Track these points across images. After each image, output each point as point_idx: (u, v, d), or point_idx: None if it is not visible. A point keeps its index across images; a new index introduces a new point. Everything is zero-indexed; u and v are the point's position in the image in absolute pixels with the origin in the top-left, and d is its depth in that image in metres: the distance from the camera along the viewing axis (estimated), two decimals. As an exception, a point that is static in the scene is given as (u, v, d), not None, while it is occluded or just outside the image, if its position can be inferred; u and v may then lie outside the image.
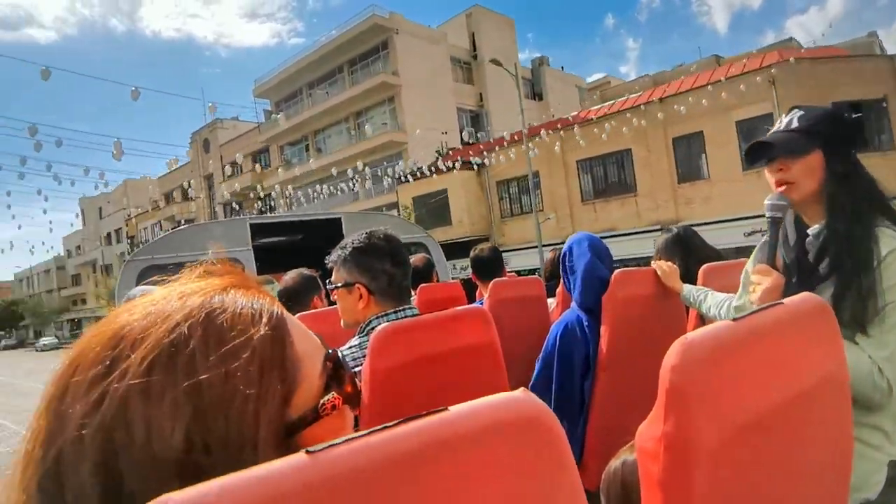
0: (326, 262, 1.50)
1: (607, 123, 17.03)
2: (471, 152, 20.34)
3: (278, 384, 0.38)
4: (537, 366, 1.94)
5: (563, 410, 1.81)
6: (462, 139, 30.59)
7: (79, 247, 62.28)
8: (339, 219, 4.51)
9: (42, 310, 63.55)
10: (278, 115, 31.22)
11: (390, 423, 0.33)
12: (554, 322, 2.02)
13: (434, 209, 23.16)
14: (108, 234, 56.32)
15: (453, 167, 19.76)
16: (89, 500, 0.33)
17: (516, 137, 17.81)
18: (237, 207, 34.49)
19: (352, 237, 1.46)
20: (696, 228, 2.39)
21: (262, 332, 0.39)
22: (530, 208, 21.66)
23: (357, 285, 1.40)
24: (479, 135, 20.15)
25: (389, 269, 1.42)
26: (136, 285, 2.97)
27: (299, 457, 0.30)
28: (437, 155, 24.54)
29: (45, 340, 53.69)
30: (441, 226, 22.60)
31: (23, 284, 78.40)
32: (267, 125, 33.31)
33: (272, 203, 33.97)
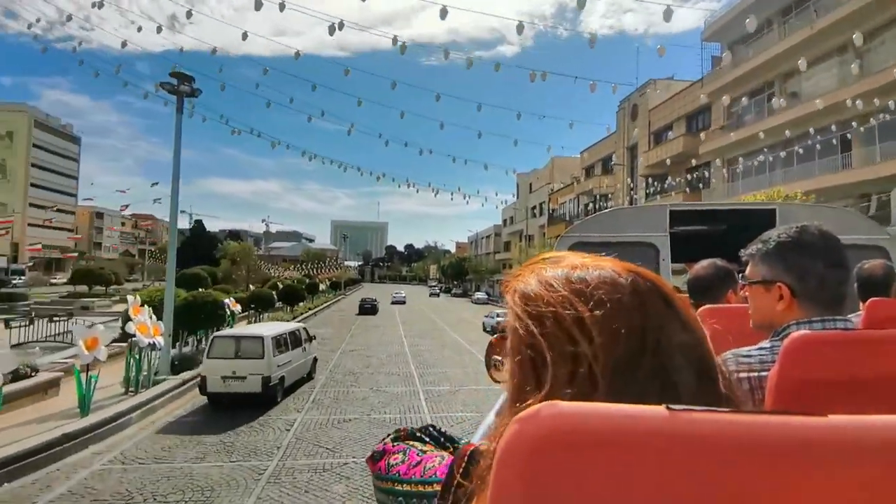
0: (741, 254, 1.36)
1: None
2: None
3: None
4: None
5: None
6: None
7: (512, 218, 70.65)
8: (773, 211, 3.92)
9: (480, 268, 75.53)
10: (728, 59, 24.27)
11: (757, 409, 0.35)
12: None
13: None
14: (534, 208, 61.11)
15: None
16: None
17: None
18: (661, 179, 29.41)
19: (778, 230, 1.28)
20: None
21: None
22: None
23: (778, 284, 1.23)
24: None
25: (821, 271, 1.21)
26: None
27: (660, 409, 0.34)
28: None
29: (478, 295, 63.18)
30: None
31: (472, 246, 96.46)
32: (713, 75, 26.70)
33: (706, 174, 27.43)
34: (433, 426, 0.81)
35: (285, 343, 12.24)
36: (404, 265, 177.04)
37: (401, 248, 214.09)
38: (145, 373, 11.39)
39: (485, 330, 32.53)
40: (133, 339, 11.01)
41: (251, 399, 10.87)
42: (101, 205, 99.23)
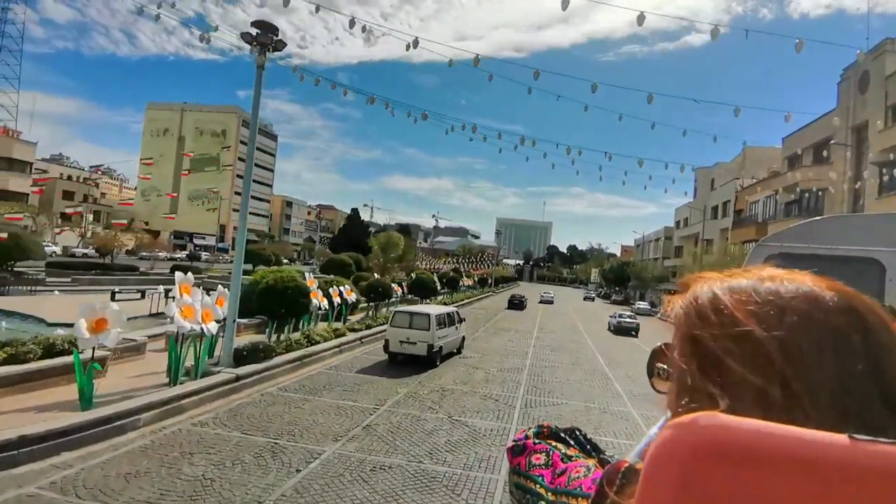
0: None
1: None
2: None
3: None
4: None
5: None
6: None
7: (686, 219, 61.50)
8: None
9: (645, 274, 67.28)
10: None
11: None
12: None
13: None
14: (715, 207, 51.86)
15: None
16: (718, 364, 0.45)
17: None
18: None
19: None
20: None
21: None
22: None
23: None
24: None
25: None
26: None
27: (841, 437, 0.32)
28: None
29: (640, 304, 55.84)
30: None
31: (638, 250, 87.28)
32: None
33: None
34: (579, 430, 0.77)
35: (444, 321, 15.32)
36: (565, 266, 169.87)
37: (563, 248, 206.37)
38: (191, 362, 9.89)
39: (608, 329, 29.96)
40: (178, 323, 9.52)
41: (419, 360, 14.17)
42: (292, 195, 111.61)
